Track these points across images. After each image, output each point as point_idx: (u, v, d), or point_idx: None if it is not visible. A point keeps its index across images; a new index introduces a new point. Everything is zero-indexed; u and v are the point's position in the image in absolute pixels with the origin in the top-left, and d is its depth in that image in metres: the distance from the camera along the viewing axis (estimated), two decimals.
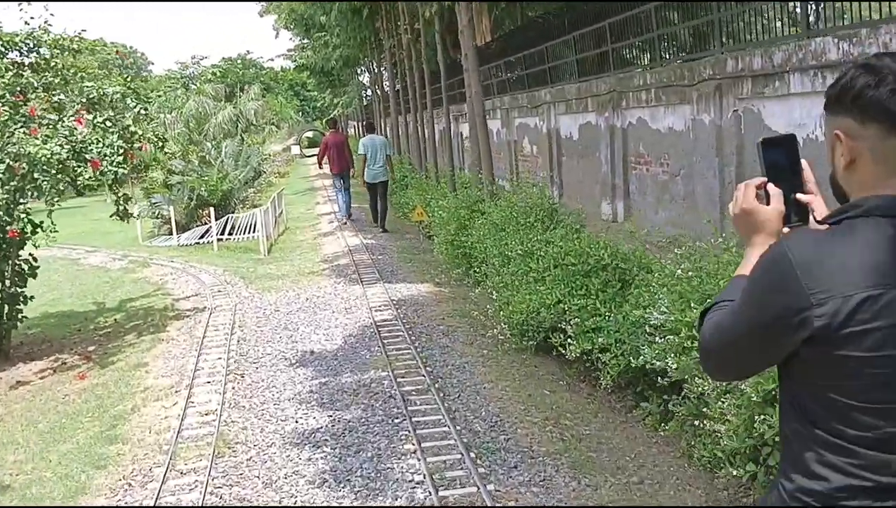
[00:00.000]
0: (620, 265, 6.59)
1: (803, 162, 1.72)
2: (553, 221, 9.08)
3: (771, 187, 1.70)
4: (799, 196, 1.69)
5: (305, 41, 44.32)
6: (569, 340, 6.63)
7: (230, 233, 17.74)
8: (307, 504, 5.23)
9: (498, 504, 5.01)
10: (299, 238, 18.71)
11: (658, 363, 5.12)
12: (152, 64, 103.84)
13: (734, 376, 2.38)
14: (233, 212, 20.35)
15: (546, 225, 8.69)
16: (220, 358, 8.62)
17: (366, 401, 6.98)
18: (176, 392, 7.70)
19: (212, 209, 17.74)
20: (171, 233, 18.88)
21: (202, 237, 18.05)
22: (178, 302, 12.03)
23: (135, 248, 18.82)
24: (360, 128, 47.27)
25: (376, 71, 36.92)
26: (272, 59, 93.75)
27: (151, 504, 5.37)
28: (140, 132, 10.04)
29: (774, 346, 1.56)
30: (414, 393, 7.05)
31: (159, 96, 41.86)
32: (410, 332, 9.09)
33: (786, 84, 8.60)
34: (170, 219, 19.22)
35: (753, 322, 1.58)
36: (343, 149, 17.99)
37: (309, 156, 60.69)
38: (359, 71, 45.05)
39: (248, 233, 17.31)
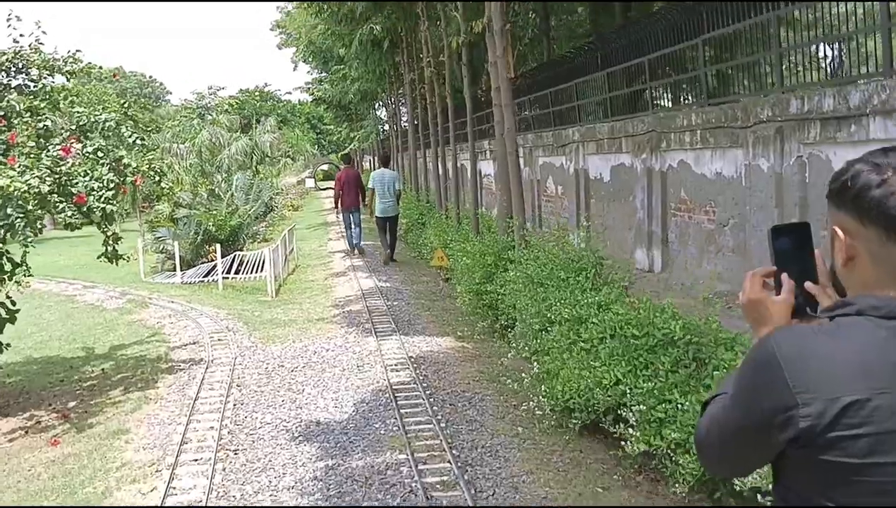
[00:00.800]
0: (694, 340, 5.41)
1: (816, 251, 1.66)
2: (598, 276, 7.93)
3: (784, 277, 1.64)
4: (808, 285, 1.62)
5: (323, 74, 43.77)
6: (630, 430, 5.44)
7: (237, 272, 16.67)
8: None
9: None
10: (310, 278, 17.61)
11: None
12: (170, 94, 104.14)
13: (729, 472, 2.10)
14: (241, 249, 19.30)
15: (592, 282, 7.53)
16: (212, 427, 7.45)
17: (380, 496, 5.78)
18: (157, 472, 6.52)
19: (218, 245, 16.68)
20: (174, 270, 17.82)
21: (207, 275, 16.99)
22: (174, 351, 10.90)
23: (135, 285, 17.75)
24: (375, 163, 46.52)
25: (394, 105, 36.12)
26: (290, 92, 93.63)
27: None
28: (134, 164, 8.99)
29: (764, 445, 1.52)
30: (439, 486, 5.85)
31: (175, 126, 41.16)
32: (431, 400, 7.91)
33: (864, 128, 7.48)
34: (174, 254, 18.16)
35: (741, 418, 1.54)
36: (355, 184, 17.85)
37: (323, 189, 59.96)
38: (376, 105, 44.34)
39: (257, 271, 16.23)
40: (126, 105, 10.77)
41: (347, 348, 10.36)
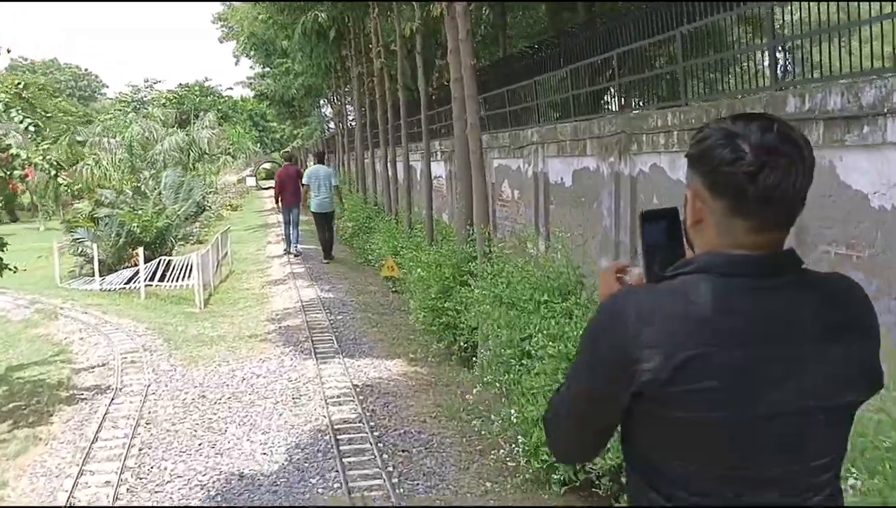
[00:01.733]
0: None
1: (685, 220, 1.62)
2: (579, 298, 6.70)
3: (632, 270, 1.67)
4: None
5: (266, 69, 42.01)
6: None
7: (163, 278, 15.06)
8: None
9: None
10: (245, 285, 16.09)
11: None
12: (107, 87, 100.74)
13: (579, 450, 1.79)
14: (169, 253, 17.65)
15: (577, 306, 6.29)
16: (107, 482, 6.01)
17: None
18: None
19: (141, 249, 15.04)
20: (94, 275, 16.12)
21: (129, 281, 15.35)
22: (78, 375, 9.36)
23: (49, 291, 16.00)
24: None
25: (340, 102, 34.63)
26: (231, 88, 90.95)
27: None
28: (24, 155, 7.47)
29: (609, 404, 1.49)
30: None
31: (107, 119, 39.02)
32: (381, 445, 6.59)
33: (879, 130, 6.42)
34: (90, 260, 16.46)
35: (586, 378, 1.53)
36: (293, 182, 17.35)
37: (265, 188, 57.86)
38: (321, 102, 42.75)
39: (184, 278, 14.65)
40: (20, 84, 9.19)
41: (282, 373, 8.96)
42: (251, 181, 63.63)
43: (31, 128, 8.23)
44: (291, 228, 18.21)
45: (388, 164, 16.91)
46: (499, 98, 16.44)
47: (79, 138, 32.50)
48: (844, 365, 1.45)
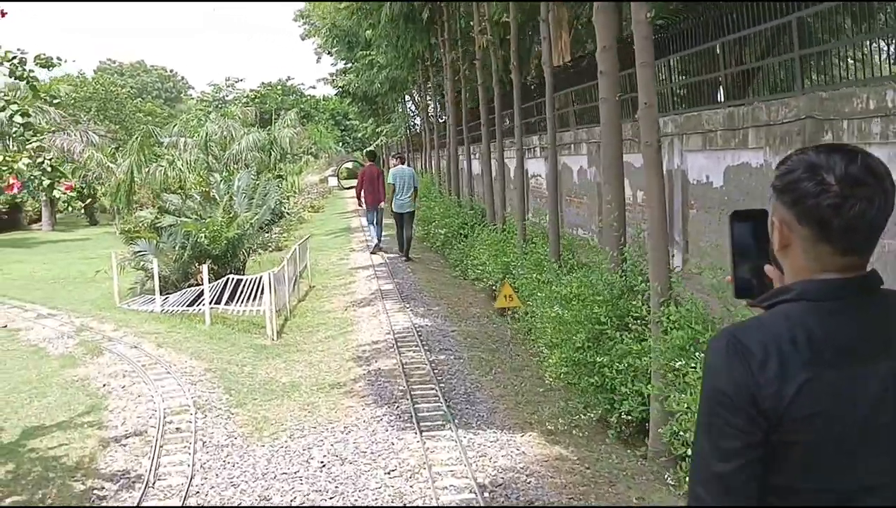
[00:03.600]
0: None
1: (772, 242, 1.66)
2: None
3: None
4: (767, 268, 1.65)
5: (348, 64, 40.01)
6: None
7: (232, 298, 12.79)
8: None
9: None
10: (326, 306, 13.73)
11: None
12: (192, 89, 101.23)
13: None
14: (241, 267, 15.45)
15: None
16: None
17: None
18: None
19: (205, 267, 12.81)
20: (158, 291, 14.01)
21: (194, 302, 13.16)
22: (105, 451, 7.04)
23: (105, 312, 13.98)
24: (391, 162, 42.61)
25: (426, 97, 32.25)
26: (313, 87, 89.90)
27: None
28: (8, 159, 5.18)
29: (741, 438, 1.48)
30: None
31: (188, 119, 37.66)
32: None
33: None
34: (153, 276, 14.36)
35: (716, 420, 1.51)
36: (377, 181, 17.88)
37: (347, 188, 56.01)
38: (405, 98, 40.48)
39: (255, 300, 12.35)
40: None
41: (375, 457, 6.46)
42: (333, 181, 62.03)
43: (18, 119, 5.92)
44: (375, 226, 18.65)
45: (493, 162, 14.27)
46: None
47: (163, 140, 31.10)
48: None
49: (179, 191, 17.52)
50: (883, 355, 1.51)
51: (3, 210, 38.00)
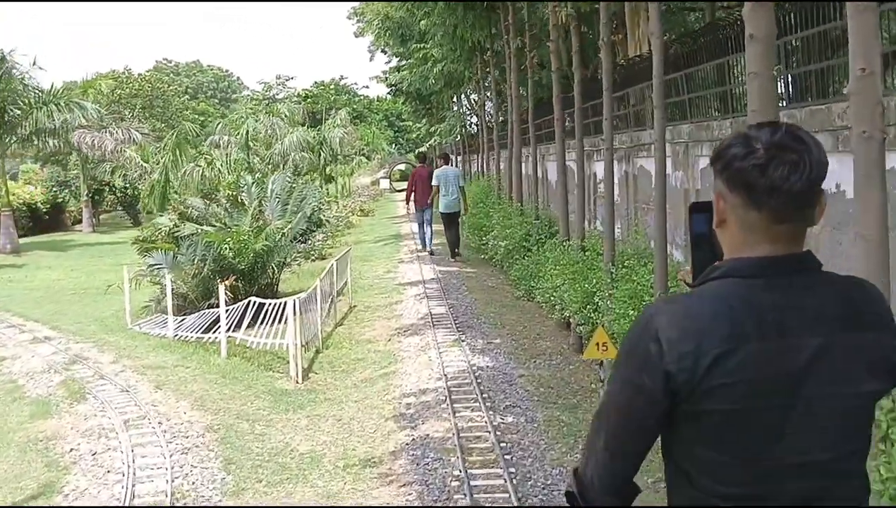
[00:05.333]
0: None
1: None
2: None
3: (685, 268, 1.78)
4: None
5: (401, 61, 38.02)
6: None
7: (255, 321, 10.64)
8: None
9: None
10: (367, 334, 11.56)
11: None
12: (247, 88, 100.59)
13: (614, 477, 1.70)
14: (271, 284, 13.39)
15: None
16: None
17: None
18: None
19: (222, 287, 10.72)
20: (171, 313, 12.01)
21: (211, 327, 11.09)
22: None
23: (112, 335, 12.05)
24: (457, 162, 40.27)
25: (484, 94, 29.97)
26: (367, 86, 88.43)
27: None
28: None
29: (649, 410, 1.54)
30: None
31: (236, 117, 36.05)
32: None
33: None
34: (173, 291, 12.36)
35: (623, 387, 1.58)
36: (427, 182, 17.66)
37: (399, 191, 53.96)
38: (461, 97, 38.24)
39: (279, 331, 10.19)
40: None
41: None
42: (385, 183, 60.06)
43: None
44: (426, 227, 18.50)
45: (572, 164, 11.92)
46: (697, 77, 11.25)
47: (206, 139, 29.41)
48: (867, 355, 1.54)
49: (211, 193, 15.55)
50: (811, 331, 1.52)
51: (44, 210, 36.82)
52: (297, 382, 8.99)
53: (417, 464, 6.36)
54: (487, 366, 9.21)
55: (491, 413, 7.43)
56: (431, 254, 18.53)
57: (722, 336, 1.48)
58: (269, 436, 7.30)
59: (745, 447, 1.50)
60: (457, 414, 7.44)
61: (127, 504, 4.83)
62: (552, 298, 10.55)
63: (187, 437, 7.23)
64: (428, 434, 7.01)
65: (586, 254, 9.99)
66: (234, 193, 14.18)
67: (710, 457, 1.51)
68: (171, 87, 49.34)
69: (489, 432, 6.94)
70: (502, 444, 6.63)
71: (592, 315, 8.91)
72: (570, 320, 9.87)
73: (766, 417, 1.49)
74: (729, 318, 1.50)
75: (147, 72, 63.13)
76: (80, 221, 38.58)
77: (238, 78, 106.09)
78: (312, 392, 8.72)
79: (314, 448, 6.92)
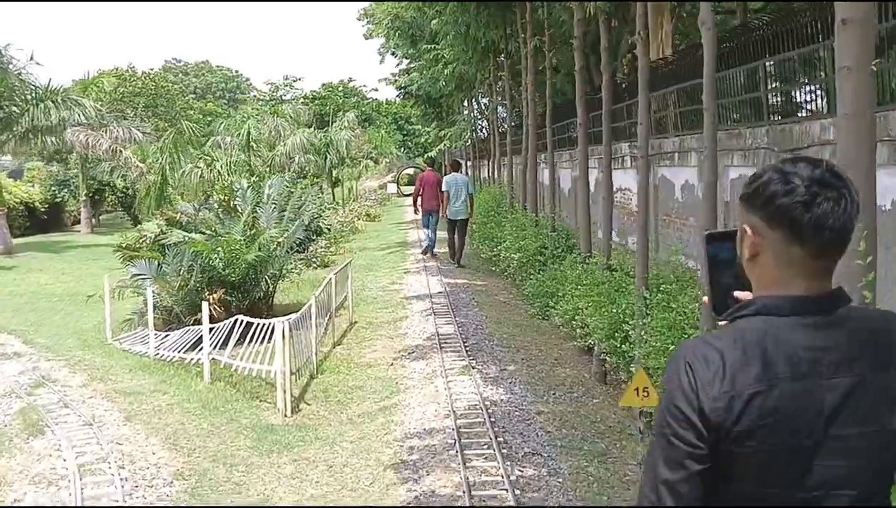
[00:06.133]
0: None
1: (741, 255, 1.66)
2: None
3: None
4: (737, 294, 1.67)
5: (411, 64, 37.01)
6: None
7: (242, 339, 9.55)
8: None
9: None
10: (367, 356, 10.50)
11: None
12: (255, 90, 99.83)
13: None
14: (266, 295, 12.35)
15: None
16: None
17: None
18: None
19: (206, 304, 9.66)
20: (152, 329, 10.96)
21: (195, 347, 10.02)
22: None
23: (89, 352, 11.02)
24: (467, 168, 39.16)
25: (497, 97, 28.90)
26: (376, 89, 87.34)
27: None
28: None
29: (697, 453, 1.53)
30: None
31: (234, 118, 35.08)
32: None
33: None
34: (157, 304, 11.32)
35: (667, 431, 1.56)
36: (435, 187, 17.92)
37: (406, 195, 52.87)
38: (472, 100, 37.16)
39: (268, 355, 9.11)
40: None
41: None
42: (392, 187, 59.07)
43: None
44: (430, 232, 18.80)
45: (601, 171, 10.86)
46: (727, 81, 10.17)
47: (208, 139, 28.39)
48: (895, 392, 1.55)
49: (210, 196, 14.48)
50: (842, 370, 1.53)
51: (42, 209, 35.86)
52: (286, 416, 7.92)
53: None
54: (501, 401, 8.14)
55: (508, 463, 6.36)
56: (434, 256, 18.84)
57: (756, 376, 1.50)
58: (247, 486, 6.24)
59: (776, 482, 1.52)
60: (468, 464, 6.37)
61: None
62: (573, 322, 9.48)
63: (151, 486, 6.18)
64: (433, 491, 5.94)
65: (614, 274, 8.89)
66: (227, 198, 13.13)
67: (743, 492, 1.54)
68: (175, 86, 48.41)
69: (506, 490, 5.86)
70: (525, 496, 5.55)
71: (621, 346, 7.84)
72: (595, 347, 8.79)
73: (797, 455, 1.51)
74: (762, 359, 1.51)
75: (153, 70, 62.36)
76: (79, 222, 37.64)
77: (248, 79, 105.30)
78: (302, 428, 7.65)
79: (299, 503, 5.84)
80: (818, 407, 1.51)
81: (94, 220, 36.64)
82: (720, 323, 1.70)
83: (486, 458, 6.50)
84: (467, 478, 6.06)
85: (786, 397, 1.49)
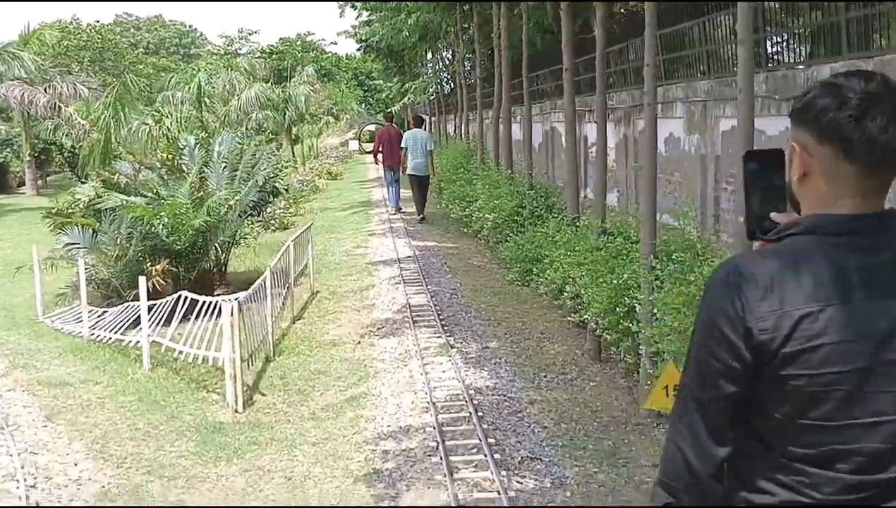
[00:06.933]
0: None
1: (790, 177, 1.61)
2: None
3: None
4: (774, 215, 1.62)
5: (372, 15, 35.35)
6: None
7: (189, 314, 8.32)
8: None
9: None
10: (331, 334, 9.36)
11: None
12: (210, 44, 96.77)
13: (708, 458, 1.58)
14: (216, 265, 11.13)
15: None
16: None
17: None
18: None
19: (143, 278, 8.41)
20: (85, 306, 9.69)
21: (136, 325, 8.76)
22: None
23: (15, 332, 9.74)
24: (431, 123, 37.75)
25: (464, 48, 27.49)
26: (335, 42, 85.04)
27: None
28: None
29: (734, 371, 1.49)
30: None
31: (184, 71, 33.25)
32: None
33: None
34: (92, 278, 10.06)
35: (707, 351, 1.53)
36: (395, 143, 18.03)
37: (368, 152, 51.32)
38: (437, 53, 35.66)
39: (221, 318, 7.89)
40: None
41: None
42: (354, 145, 57.38)
43: None
44: (393, 187, 18.90)
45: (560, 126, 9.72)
46: (722, 25, 9.11)
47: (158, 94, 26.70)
48: None
49: (145, 157, 13.07)
50: (893, 293, 1.48)
51: None
52: (237, 411, 6.77)
53: None
54: (487, 387, 7.08)
55: (503, 472, 5.29)
56: (399, 210, 18.81)
57: (806, 296, 1.44)
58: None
59: (824, 409, 1.46)
60: (455, 475, 5.29)
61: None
62: (564, 293, 8.40)
63: None
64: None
65: (613, 240, 7.80)
66: (172, 157, 11.79)
67: (789, 420, 1.49)
68: (124, 39, 46.08)
69: (503, 503, 4.80)
70: None
71: (625, 321, 6.79)
72: (592, 322, 7.72)
73: (846, 380, 1.45)
74: (814, 279, 1.45)
75: (98, 23, 59.45)
76: (24, 183, 35.66)
77: (202, 34, 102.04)
78: (256, 426, 6.51)
79: None
80: (870, 331, 1.45)
81: (40, 182, 34.71)
82: (754, 246, 1.63)
83: (476, 466, 5.44)
84: (456, 495, 4.99)
85: (837, 319, 1.43)
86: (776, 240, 1.55)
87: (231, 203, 10.66)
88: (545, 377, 7.43)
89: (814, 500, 1.49)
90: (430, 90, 36.00)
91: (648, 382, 6.22)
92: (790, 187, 1.61)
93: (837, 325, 1.43)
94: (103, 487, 5.40)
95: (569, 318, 8.05)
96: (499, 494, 4.97)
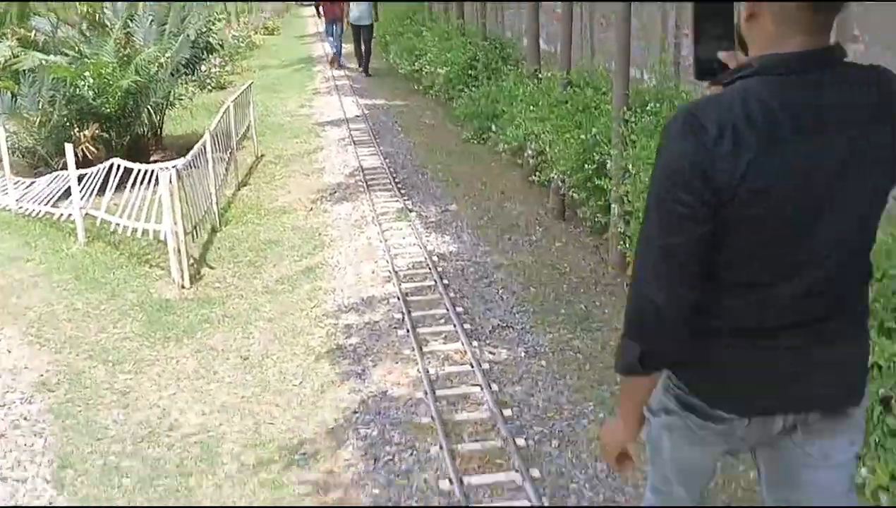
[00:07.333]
0: None
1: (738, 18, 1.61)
2: None
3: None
4: (721, 54, 1.62)
5: None
6: None
7: (124, 184, 7.68)
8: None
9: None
10: (280, 201, 8.82)
11: None
12: None
13: (676, 299, 1.62)
14: (150, 129, 10.38)
15: None
16: None
17: None
18: None
19: (70, 147, 7.68)
20: (9, 175, 8.94)
21: (67, 196, 8.09)
22: None
23: None
24: None
25: None
26: None
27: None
28: None
29: (692, 215, 1.52)
30: None
31: None
32: None
33: None
34: (16, 147, 9.28)
35: (666, 197, 1.54)
36: None
37: (307, 5, 48.74)
38: None
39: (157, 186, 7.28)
40: None
41: None
42: None
43: None
44: (335, 41, 18.50)
45: None
46: None
47: None
48: (891, 149, 1.54)
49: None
50: (841, 128, 1.50)
51: None
52: (183, 286, 6.30)
53: (375, 460, 3.92)
54: (451, 253, 6.72)
55: (475, 343, 4.99)
56: (341, 66, 18.41)
57: (759, 137, 1.46)
58: (135, 397, 4.72)
59: (777, 241, 1.52)
60: (424, 348, 4.97)
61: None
62: (527, 152, 7.94)
63: (2, 406, 4.60)
64: (385, 391, 4.54)
65: (581, 91, 7.28)
66: (93, 11, 10.71)
67: (739, 259, 1.55)
68: None
69: (479, 386, 4.52)
70: (507, 411, 4.22)
71: (595, 179, 6.39)
72: (558, 181, 7.32)
73: (798, 214, 1.50)
74: (768, 118, 1.46)
75: None
76: None
77: None
78: (206, 303, 6.07)
79: (207, 423, 4.39)
80: (819, 168, 1.49)
81: None
82: (711, 89, 1.63)
83: (445, 338, 5.12)
84: (426, 370, 4.68)
85: (787, 158, 1.47)
86: (728, 83, 1.55)
87: (161, 60, 9.77)
88: (509, 239, 7.08)
89: (757, 324, 1.60)
90: None
91: (620, 243, 5.92)
92: (738, 29, 1.61)
93: (793, 161, 1.47)
94: (41, 375, 4.96)
95: (532, 179, 7.62)
96: (472, 367, 4.67)
